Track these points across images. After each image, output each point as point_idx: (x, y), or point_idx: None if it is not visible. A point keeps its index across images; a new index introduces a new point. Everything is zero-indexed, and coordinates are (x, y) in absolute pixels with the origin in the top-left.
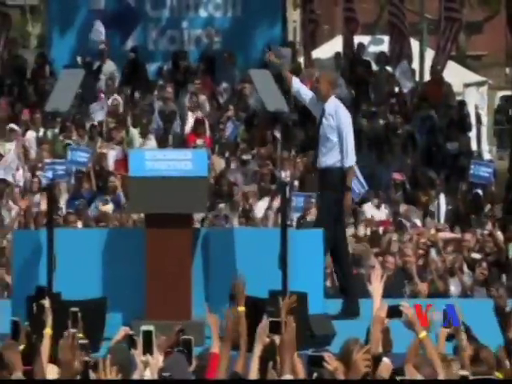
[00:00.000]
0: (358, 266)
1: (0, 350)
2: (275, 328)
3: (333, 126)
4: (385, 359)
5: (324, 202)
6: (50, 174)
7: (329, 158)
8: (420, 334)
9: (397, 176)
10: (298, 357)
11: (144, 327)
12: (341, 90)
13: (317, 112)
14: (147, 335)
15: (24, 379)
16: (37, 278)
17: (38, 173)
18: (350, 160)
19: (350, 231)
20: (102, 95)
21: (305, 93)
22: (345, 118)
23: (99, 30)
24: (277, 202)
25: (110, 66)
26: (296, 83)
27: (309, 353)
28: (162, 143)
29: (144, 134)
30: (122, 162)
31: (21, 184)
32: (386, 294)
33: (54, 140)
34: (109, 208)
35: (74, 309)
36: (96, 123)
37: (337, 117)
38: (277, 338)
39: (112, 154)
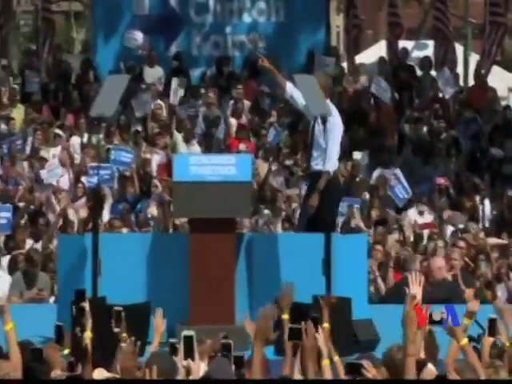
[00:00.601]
0: (403, 271)
1: (41, 348)
2: (295, 335)
3: (323, 132)
4: (429, 365)
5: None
6: (95, 179)
7: (319, 163)
8: (461, 340)
9: (441, 181)
10: (342, 362)
11: (185, 332)
12: (384, 95)
13: (311, 116)
14: (188, 340)
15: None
16: (82, 282)
17: (83, 178)
18: (330, 165)
19: (394, 236)
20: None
21: (298, 97)
22: (334, 124)
23: (133, 38)
24: None
25: (157, 72)
26: (289, 88)
27: (347, 360)
28: (206, 148)
29: (188, 139)
30: (166, 166)
31: (66, 189)
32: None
33: (98, 145)
34: (155, 211)
35: (117, 308)
36: (140, 128)
37: (328, 122)
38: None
39: (156, 159)
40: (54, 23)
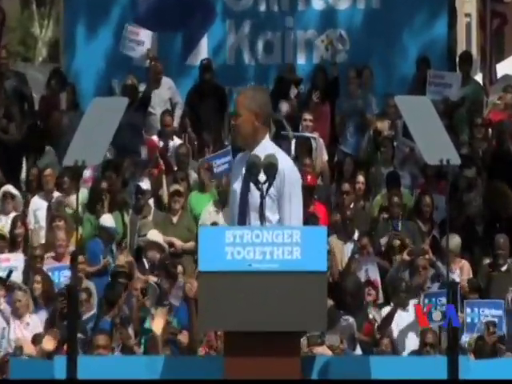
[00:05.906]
0: None
1: None
2: None
3: None
4: None
5: None
6: (68, 272)
7: None
8: None
9: None
10: None
11: None
12: None
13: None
14: None
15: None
16: None
17: (48, 265)
18: None
19: None
20: (155, 139)
21: None
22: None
23: (137, 39)
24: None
25: (165, 90)
26: None
27: None
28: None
29: (224, 201)
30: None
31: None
32: None
33: (76, 215)
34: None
35: None
36: (144, 187)
37: None
38: None
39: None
40: (3, 13)
